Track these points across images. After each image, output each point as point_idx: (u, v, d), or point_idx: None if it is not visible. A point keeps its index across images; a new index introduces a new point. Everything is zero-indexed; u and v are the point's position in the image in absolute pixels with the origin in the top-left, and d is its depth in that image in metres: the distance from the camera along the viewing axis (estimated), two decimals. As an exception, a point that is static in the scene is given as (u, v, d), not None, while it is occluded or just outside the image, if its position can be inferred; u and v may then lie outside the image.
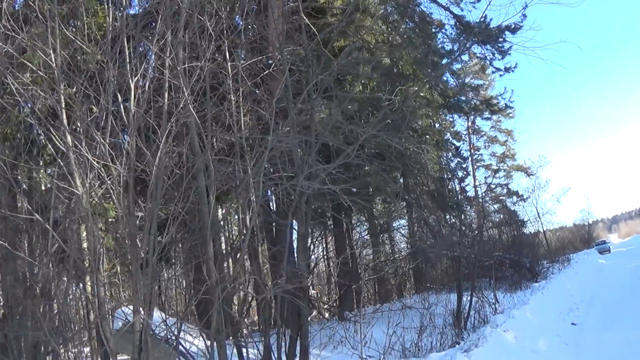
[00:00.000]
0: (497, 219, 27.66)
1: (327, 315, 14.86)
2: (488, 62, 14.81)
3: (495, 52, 13.84)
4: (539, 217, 26.25)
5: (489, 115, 34.58)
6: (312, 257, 17.77)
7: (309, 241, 17.38)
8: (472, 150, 33.88)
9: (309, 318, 14.71)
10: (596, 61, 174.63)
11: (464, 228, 15.80)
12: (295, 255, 6.77)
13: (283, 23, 8.17)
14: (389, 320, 11.74)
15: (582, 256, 32.69)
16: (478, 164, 35.63)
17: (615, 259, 33.75)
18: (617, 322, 9.93)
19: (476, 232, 16.29)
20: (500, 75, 15.02)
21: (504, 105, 24.51)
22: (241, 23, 8.12)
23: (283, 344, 6.28)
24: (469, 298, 12.96)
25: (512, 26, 13.50)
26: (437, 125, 25.42)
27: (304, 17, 7.07)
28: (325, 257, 18.33)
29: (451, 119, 28.09)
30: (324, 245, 20.20)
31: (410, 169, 14.21)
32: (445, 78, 17.88)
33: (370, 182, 11.46)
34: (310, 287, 17.87)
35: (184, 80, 4.97)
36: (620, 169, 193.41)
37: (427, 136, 19.15)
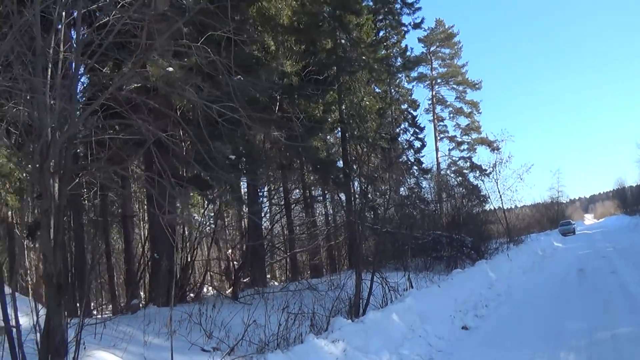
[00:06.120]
0: (459, 193, 26.20)
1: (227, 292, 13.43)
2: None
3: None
4: (498, 193, 24.61)
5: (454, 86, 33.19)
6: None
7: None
8: (435, 121, 32.17)
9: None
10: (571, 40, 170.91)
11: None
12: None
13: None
14: (273, 302, 10.18)
15: (540, 237, 30.61)
16: (441, 135, 34.12)
17: (575, 242, 31.59)
18: (520, 329, 8.22)
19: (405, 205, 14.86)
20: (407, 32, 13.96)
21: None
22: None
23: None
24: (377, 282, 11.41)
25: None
26: (393, 92, 23.97)
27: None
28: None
29: (409, 88, 26.56)
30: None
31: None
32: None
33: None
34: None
35: None
36: (601, 149, 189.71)
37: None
